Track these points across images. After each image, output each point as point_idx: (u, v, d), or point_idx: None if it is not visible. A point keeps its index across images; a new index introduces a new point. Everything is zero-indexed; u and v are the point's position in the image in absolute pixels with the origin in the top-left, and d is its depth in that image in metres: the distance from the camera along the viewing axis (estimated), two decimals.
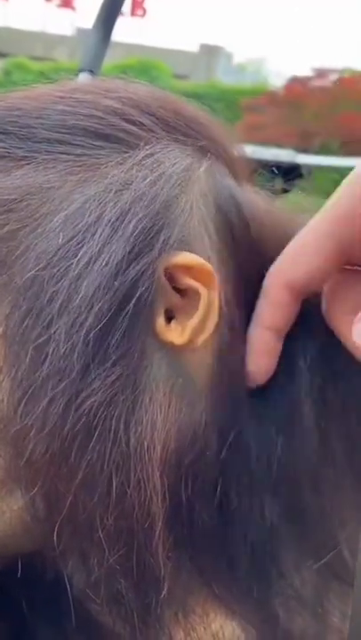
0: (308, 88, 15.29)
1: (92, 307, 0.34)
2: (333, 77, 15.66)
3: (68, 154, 0.38)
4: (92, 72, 1.10)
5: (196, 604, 0.43)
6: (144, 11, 21.05)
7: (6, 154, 0.37)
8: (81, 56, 1.14)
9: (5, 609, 0.43)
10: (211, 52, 20.63)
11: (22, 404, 0.34)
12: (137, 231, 0.36)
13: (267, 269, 0.39)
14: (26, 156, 0.38)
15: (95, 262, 0.35)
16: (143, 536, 0.36)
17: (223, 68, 20.93)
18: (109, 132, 0.38)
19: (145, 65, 15.00)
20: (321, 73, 15.93)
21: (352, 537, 0.44)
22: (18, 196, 0.36)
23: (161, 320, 0.37)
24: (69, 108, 0.39)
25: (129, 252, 0.35)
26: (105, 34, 1.15)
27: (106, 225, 0.35)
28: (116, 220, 0.36)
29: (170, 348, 0.37)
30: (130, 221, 0.36)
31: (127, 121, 0.39)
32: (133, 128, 0.39)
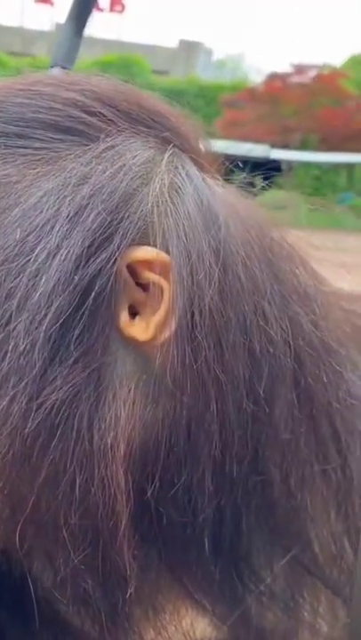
0: (287, 84, 15.34)
1: (52, 302, 0.34)
2: (312, 74, 15.73)
3: (27, 147, 0.37)
4: (64, 67, 1.09)
5: (167, 603, 0.43)
6: (123, 7, 20.96)
7: None
8: (53, 51, 1.13)
9: None
10: (190, 48, 20.60)
11: None
12: (95, 225, 0.35)
13: (233, 261, 0.38)
14: None
15: (54, 257, 0.34)
16: (108, 535, 0.36)
17: (202, 64, 20.91)
18: (69, 125, 0.38)
19: (124, 61, 14.94)
20: (300, 69, 15.99)
21: (322, 533, 0.44)
22: None
23: (125, 316, 0.36)
24: (28, 100, 0.38)
25: (88, 247, 0.35)
26: (77, 29, 1.14)
27: (64, 219, 0.35)
28: (75, 214, 0.35)
29: (134, 344, 0.36)
30: (88, 215, 0.35)
31: (88, 113, 0.38)
32: (94, 120, 0.38)
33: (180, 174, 0.39)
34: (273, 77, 16.13)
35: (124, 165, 0.37)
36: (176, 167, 0.39)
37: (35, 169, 0.36)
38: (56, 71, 1.09)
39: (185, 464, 0.38)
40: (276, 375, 0.39)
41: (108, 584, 0.37)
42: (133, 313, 0.37)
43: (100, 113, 0.38)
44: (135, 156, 0.38)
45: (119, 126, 0.38)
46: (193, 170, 0.40)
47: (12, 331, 0.34)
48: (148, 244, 0.36)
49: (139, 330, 0.36)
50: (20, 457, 0.34)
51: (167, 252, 0.36)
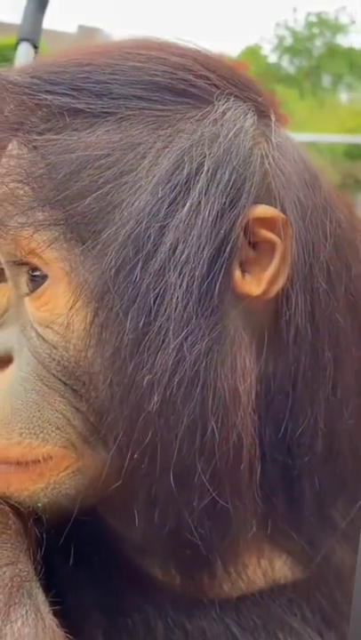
0: None
1: (202, 255, 0.35)
2: None
3: (150, 109, 0.38)
4: (31, 41, 1.07)
5: (250, 544, 0.45)
6: None
7: (83, 109, 0.37)
8: (18, 26, 1.11)
9: (53, 566, 0.43)
10: (89, 34, 20.25)
11: (136, 357, 0.35)
12: (231, 182, 0.37)
13: (337, 217, 0.41)
14: (106, 112, 0.38)
15: (199, 213, 0.36)
16: (234, 479, 0.38)
17: None
18: (183, 88, 0.39)
19: None
20: None
21: None
22: (107, 152, 0.36)
23: (238, 272, 0.38)
24: (140, 64, 0.39)
25: (224, 203, 0.36)
26: (40, 4, 1.13)
27: (204, 176, 0.36)
28: (213, 171, 0.37)
29: (245, 299, 0.38)
30: (224, 173, 0.37)
31: (196, 76, 0.40)
32: (202, 83, 0.40)
33: (281, 136, 0.41)
34: None
35: (242, 127, 0.39)
36: (277, 130, 0.41)
37: (166, 129, 0.37)
38: (24, 46, 1.07)
39: (302, 408, 0.40)
40: None
41: (226, 527, 0.39)
42: (242, 270, 0.39)
43: (206, 77, 0.40)
44: (246, 119, 0.39)
45: (224, 90, 0.40)
46: (287, 132, 0.42)
47: (168, 283, 0.35)
48: (267, 203, 0.38)
49: (251, 286, 0.38)
50: (167, 407, 0.35)
51: (283, 209, 0.39)
